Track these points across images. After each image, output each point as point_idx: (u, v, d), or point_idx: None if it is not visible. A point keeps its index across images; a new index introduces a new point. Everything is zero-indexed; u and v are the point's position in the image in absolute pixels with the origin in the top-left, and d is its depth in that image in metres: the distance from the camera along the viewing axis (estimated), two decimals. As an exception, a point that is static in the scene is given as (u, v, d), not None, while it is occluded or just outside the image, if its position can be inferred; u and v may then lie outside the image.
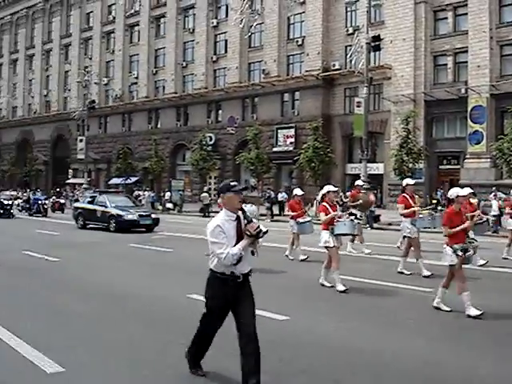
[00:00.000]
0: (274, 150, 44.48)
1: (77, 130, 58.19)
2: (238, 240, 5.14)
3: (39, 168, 66.34)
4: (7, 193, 39.73)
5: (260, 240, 5.26)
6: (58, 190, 52.10)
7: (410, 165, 32.45)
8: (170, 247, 17.46)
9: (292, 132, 44.38)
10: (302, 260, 14.48)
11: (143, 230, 23.65)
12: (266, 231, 5.18)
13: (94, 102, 52.17)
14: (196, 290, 9.82)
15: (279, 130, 45.26)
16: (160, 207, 41.24)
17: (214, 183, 49.12)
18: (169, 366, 5.93)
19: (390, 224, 26.88)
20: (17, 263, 14.12)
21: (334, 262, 10.36)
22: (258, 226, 5.10)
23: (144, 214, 24.53)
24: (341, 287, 10.11)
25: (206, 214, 35.72)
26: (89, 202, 26.02)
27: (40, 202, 35.86)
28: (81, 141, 51.74)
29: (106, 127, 61.84)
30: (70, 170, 60.73)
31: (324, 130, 39.67)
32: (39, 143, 69.18)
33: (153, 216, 24.59)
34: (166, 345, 6.75)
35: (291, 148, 43.47)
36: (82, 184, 51.76)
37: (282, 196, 36.58)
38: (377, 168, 39.68)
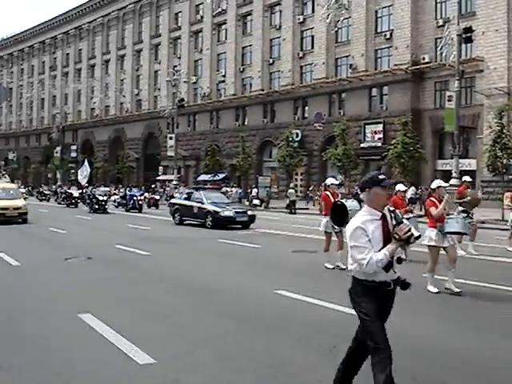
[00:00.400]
0: (362, 145, 43.93)
1: (167, 128, 59.56)
2: (386, 243, 4.38)
3: (131, 165, 68.32)
4: (102, 189, 40.37)
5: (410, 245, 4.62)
6: (153, 186, 53.20)
7: (505, 161, 31.15)
8: (258, 243, 17.52)
9: (380, 127, 43.69)
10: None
11: (239, 226, 23.30)
12: (419, 236, 4.54)
13: (183, 100, 53.22)
14: (283, 286, 9.86)
15: (367, 126, 44.66)
16: (247, 203, 41.55)
17: (301, 179, 49.11)
18: (258, 362, 5.91)
19: (483, 222, 25.95)
20: (109, 257, 14.56)
21: (430, 262, 9.94)
22: (409, 229, 4.37)
23: (240, 210, 24.24)
24: (432, 288, 9.72)
25: (293, 210, 35.73)
26: (185, 199, 25.91)
27: (135, 198, 36.04)
28: (170, 138, 52.87)
29: (195, 125, 62.92)
30: (160, 167, 62.29)
31: (413, 124, 38.77)
32: (131, 141, 71.25)
33: (249, 213, 24.18)
34: (253, 340, 6.75)
35: (379, 144, 42.80)
36: (171, 180, 52.93)
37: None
38: (469, 164, 38.43)
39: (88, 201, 36.77)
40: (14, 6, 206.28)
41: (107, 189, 45.06)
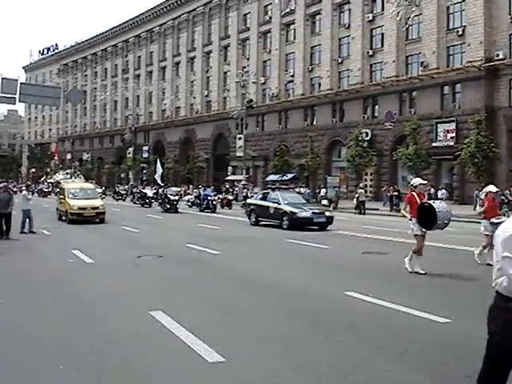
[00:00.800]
0: (434, 145, 42.97)
1: (236, 129, 60.02)
2: None
3: (201, 165, 69.15)
4: (173, 189, 40.30)
5: None
6: (227, 186, 53.26)
7: None
8: (327, 244, 17.39)
9: (453, 126, 42.63)
10: (489, 264, 13.37)
11: (316, 228, 22.49)
12: None
13: (251, 100, 53.56)
14: (353, 288, 9.74)
15: (439, 125, 43.66)
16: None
17: (370, 180, 48.50)
18: (326, 363, 5.85)
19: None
20: (180, 255, 14.76)
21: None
22: None
23: (318, 211, 23.35)
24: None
25: (362, 211, 35.32)
26: (261, 199, 25.51)
27: (210, 198, 35.78)
28: (239, 139, 53.31)
29: (264, 125, 63.10)
30: (230, 167, 62.81)
31: (487, 123, 37.54)
32: (200, 141, 72.15)
33: (327, 214, 23.34)
34: (322, 340, 6.69)
35: (452, 143, 41.77)
36: (240, 181, 53.31)
37: (442, 193, 35.25)
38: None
39: (160, 200, 37.16)
40: (87, 11, 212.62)
41: (178, 189, 45.04)
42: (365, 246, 16.78)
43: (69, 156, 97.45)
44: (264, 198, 25.16)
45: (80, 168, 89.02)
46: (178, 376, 5.53)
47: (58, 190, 70.70)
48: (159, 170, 51.71)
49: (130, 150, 75.87)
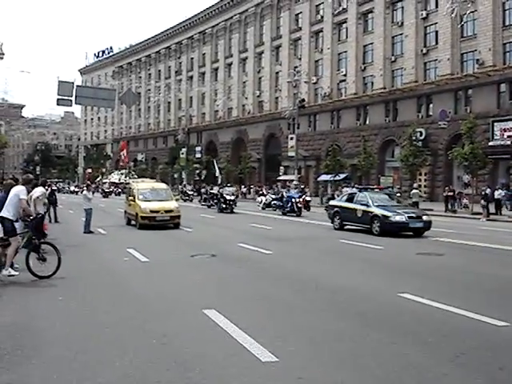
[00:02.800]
0: (490, 144, 42.00)
1: (287, 129, 59.97)
2: None
3: (252, 165, 69.37)
4: (229, 188, 38.11)
5: None
6: (302, 186, 50.61)
7: None
8: (381, 244, 17.21)
9: (510, 125, 41.61)
10: None
11: (411, 234, 20.07)
12: None
13: (303, 100, 53.36)
14: (407, 290, 9.62)
15: (495, 123, 42.66)
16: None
17: (425, 180, 47.76)
18: (380, 364, 5.81)
19: None
20: (233, 255, 14.84)
21: None
22: None
23: (414, 215, 20.55)
24: None
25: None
26: (347, 200, 23.00)
27: (294, 200, 32.16)
28: (291, 139, 53.20)
29: (315, 125, 62.88)
30: (281, 167, 62.79)
31: (546, 121, 36.54)
32: (252, 142, 72.38)
33: (424, 218, 20.45)
34: (376, 341, 6.64)
35: (509, 142, 40.78)
36: (292, 180, 53.23)
37: (499, 193, 34.41)
38: None
39: (215, 200, 36.18)
40: (141, 15, 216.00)
41: (234, 188, 43.26)
42: (419, 247, 16.54)
43: (123, 156, 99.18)
44: (350, 200, 22.72)
45: (134, 168, 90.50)
46: (232, 375, 5.57)
47: (119, 190, 72.14)
48: (216, 171, 51.34)
49: (183, 150, 76.69)
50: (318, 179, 56.12)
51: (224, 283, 10.77)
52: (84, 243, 17.68)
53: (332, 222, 23.43)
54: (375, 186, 31.09)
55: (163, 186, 27.62)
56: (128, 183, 32.82)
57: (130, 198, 24.67)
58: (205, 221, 28.72)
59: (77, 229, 21.93)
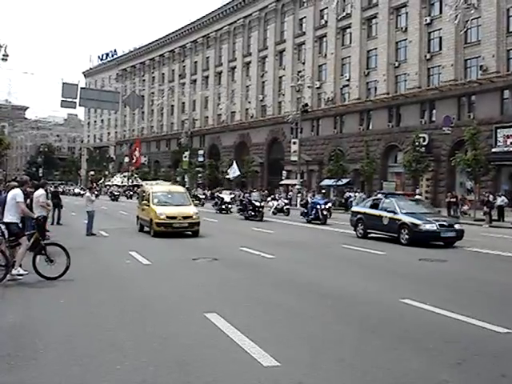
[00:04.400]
0: (493, 150, 41.93)
1: (290, 133, 59.90)
2: None
3: (255, 169, 69.37)
4: (256, 194, 35.05)
5: None
6: (323, 191, 45.96)
7: None
8: (383, 250, 17.20)
9: (513, 131, 41.55)
10: None
11: (441, 244, 18.91)
12: None
13: (306, 105, 53.42)
14: (409, 295, 9.60)
15: (499, 130, 42.59)
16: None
17: (427, 185, 47.69)
18: (381, 370, 5.80)
19: None
20: (234, 259, 14.82)
21: None
22: None
23: (445, 223, 19.26)
24: None
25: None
26: (371, 207, 21.82)
27: (319, 206, 29.69)
28: (294, 143, 53.23)
29: (318, 129, 62.83)
30: (284, 172, 62.77)
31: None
32: (255, 146, 72.38)
33: (456, 227, 19.28)
34: (377, 347, 6.63)
35: (512, 149, 40.73)
36: (294, 185, 53.26)
37: (501, 200, 34.34)
38: None
39: (241, 207, 33.77)
40: (145, 18, 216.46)
41: (260, 193, 39.60)
42: (421, 253, 16.52)
43: (126, 159, 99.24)
44: (375, 206, 21.53)
45: (137, 171, 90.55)
46: (233, 379, 5.57)
47: (130, 193, 70.70)
48: (236, 171, 49.41)
49: (186, 153, 76.74)
50: (321, 184, 56.09)
51: (226, 288, 10.75)
52: (86, 245, 17.69)
53: (355, 230, 22.24)
54: (403, 192, 29.23)
55: (180, 188, 25.69)
56: (141, 185, 30.85)
57: (144, 202, 22.61)
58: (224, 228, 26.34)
59: (79, 231, 21.96)
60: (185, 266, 13.56)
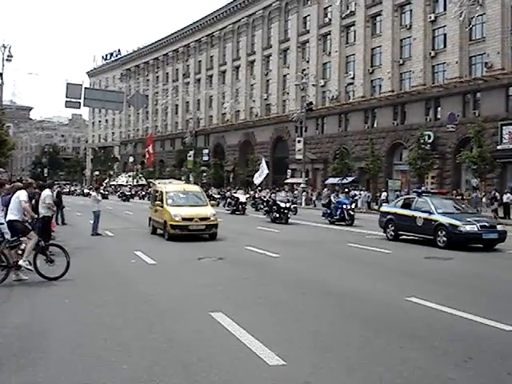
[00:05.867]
0: (498, 147, 41.83)
1: (295, 132, 59.82)
2: None
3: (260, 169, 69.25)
4: (283, 194, 32.87)
5: None
6: (347, 190, 45.04)
7: None
8: (388, 248, 17.16)
9: (518, 128, 41.42)
10: None
11: (480, 246, 17.56)
12: None
13: (311, 103, 53.38)
14: (415, 293, 9.58)
15: (504, 127, 42.48)
16: (376, 207, 40.86)
17: (432, 183, 47.60)
18: (388, 369, 5.78)
19: None
20: (239, 258, 14.82)
21: None
22: None
23: (488, 224, 17.74)
24: None
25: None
26: (403, 206, 20.40)
27: (345, 206, 27.76)
28: (299, 142, 53.18)
29: (323, 128, 62.81)
30: (289, 170, 62.74)
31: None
32: (260, 144, 72.37)
33: (499, 228, 17.77)
34: (383, 346, 6.61)
35: (517, 145, 40.61)
36: (299, 183, 53.23)
37: (507, 197, 34.22)
38: None
39: (267, 208, 31.38)
40: (149, 18, 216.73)
41: (286, 193, 36.69)
42: (427, 251, 16.49)
43: (131, 159, 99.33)
44: (407, 206, 20.13)
45: (142, 171, 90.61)
46: (239, 378, 5.57)
47: (142, 193, 69.16)
48: (264, 170, 48.17)
49: (191, 153, 76.78)
50: (326, 182, 56.05)
51: (231, 286, 10.73)
52: (91, 245, 17.71)
53: (384, 232, 20.73)
54: (437, 191, 26.66)
55: (196, 188, 24.10)
56: (153, 184, 28.53)
57: (157, 202, 21.03)
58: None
59: (85, 231, 22.00)
60: (190, 266, 13.57)
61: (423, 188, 37.35)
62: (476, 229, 17.16)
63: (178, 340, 6.87)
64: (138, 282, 11.27)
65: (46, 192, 14.98)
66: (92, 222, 21.51)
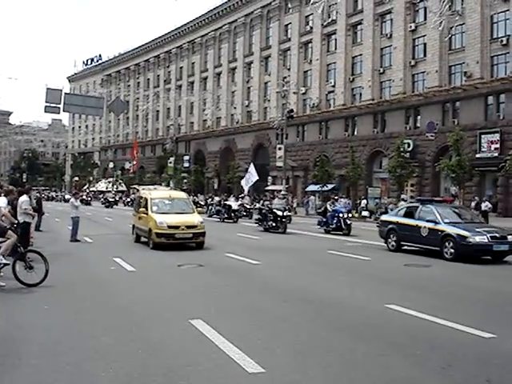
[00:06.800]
0: (477, 156, 42.25)
1: (276, 139, 59.87)
2: None
3: (241, 175, 69.25)
4: (278, 201, 31.88)
5: None
6: (336, 198, 42.84)
7: None
8: (368, 255, 17.20)
9: (497, 137, 41.83)
10: None
11: (488, 258, 16.43)
12: None
13: (292, 111, 53.44)
14: (395, 301, 9.61)
15: (483, 135, 42.92)
16: (356, 215, 40.99)
17: (411, 191, 47.92)
18: (368, 376, 5.78)
19: None
20: (218, 265, 14.77)
21: None
22: None
23: (498, 234, 16.46)
24: None
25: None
26: (405, 215, 19.24)
27: (341, 215, 26.39)
28: (280, 149, 53.21)
29: (304, 135, 63.00)
30: (269, 177, 62.79)
31: (533, 134, 36.77)
32: (241, 151, 72.39)
33: (510, 238, 16.35)
34: (364, 353, 6.61)
35: (496, 154, 41.00)
36: (280, 191, 53.26)
37: (485, 205, 34.54)
38: None
39: (259, 216, 29.26)
40: (130, 23, 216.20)
41: (283, 200, 35.24)
42: (407, 259, 16.56)
43: (111, 165, 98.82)
44: (410, 215, 18.96)
45: (122, 177, 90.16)
46: (218, 386, 5.54)
47: (129, 199, 68.37)
48: (253, 177, 47.22)
49: (171, 159, 76.57)
50: (306, 189, 56.18)
51: (211, 293, 10.69)
52: (70, 252, 17.56)
53: (385, 242, 19.62)
54: (440, 198, 24.64)
55: (182, 194, 22.95)
56: (136, 190, 26.65)
57: (142, 209, 20.08)
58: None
59: (63, 237, 21.81)
60: (170, 273, 13.50)
61: (403, 196, 37.70)
62: (486, 240, 16.04)
63: (157, 347, 6.81)
64: (117, 289, 11.20)
65: (23, 198, 14.84)
66: (71, 227, 21.32)
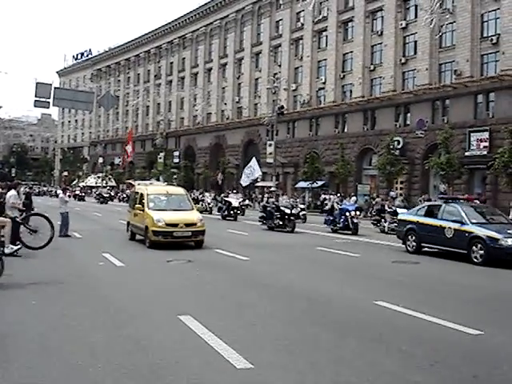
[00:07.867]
0: (466, 154, 42.41)
1: (266, 135, 60.03)
2: None
3: (231, 171, 69.29)
4: (285, 198, 30.95)
5: None
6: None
7: None
8: (357, 252, 17.25)
9: (486, 135, 41.99)
10: None
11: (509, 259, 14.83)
12: None
13: (282, 107, 53.48)
14: (383, 297, 9.64)
15: (472, 134, 43.07)
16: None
17: (401, 188, 48.09)
18: (355, 372, 5.80)
19: None
20: (208, 261, 14.76)
21: None
22: None
23: None
24: None
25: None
26: (426, 214, 17.95)
27: (348, 214, 25.17)
28: (270, 145, 53.26)
29: (294, 132, 63.00)
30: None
31: (522, 132, 36.91)
32: (231, 147, 72.33)
33: None
34: (351, 349, 6.65)
35: (485, 152, 41.17)
36: (270, 187, 53.29)
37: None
38: None
39: (263, 214, 28.02)
40: (121, 18, 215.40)
41: (286, 197, 34.50)
42: (395, 255, 16.62)
43: (101, 160, 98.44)
44: (431, 214, 17.72)
45: (111, 172, 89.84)
46: (207, 381, 5.54)
47: (124, 195, 67.45)
48: (256, 172, 46.78)
49: (161, 154, 76.40)
50: (296, 186, 56.25)
51: (200, 289, 10.71)
52: (59, 247, 17.43)
53: (404, 243, 18.36)
54: (464, 197, 22.11)
55: (181, 190, 21.25)
56: (131, 185, 25.27)
57: (138, 205, 19.12)
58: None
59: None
60: (159, 268, 13.49)
61: (392, 193, 37.69)
62: None
63: (145, 343, 6.80)
64: (105, 285, 11.17)
65: (11, 192, 14.78)
66: (59, 223, 21.21)
